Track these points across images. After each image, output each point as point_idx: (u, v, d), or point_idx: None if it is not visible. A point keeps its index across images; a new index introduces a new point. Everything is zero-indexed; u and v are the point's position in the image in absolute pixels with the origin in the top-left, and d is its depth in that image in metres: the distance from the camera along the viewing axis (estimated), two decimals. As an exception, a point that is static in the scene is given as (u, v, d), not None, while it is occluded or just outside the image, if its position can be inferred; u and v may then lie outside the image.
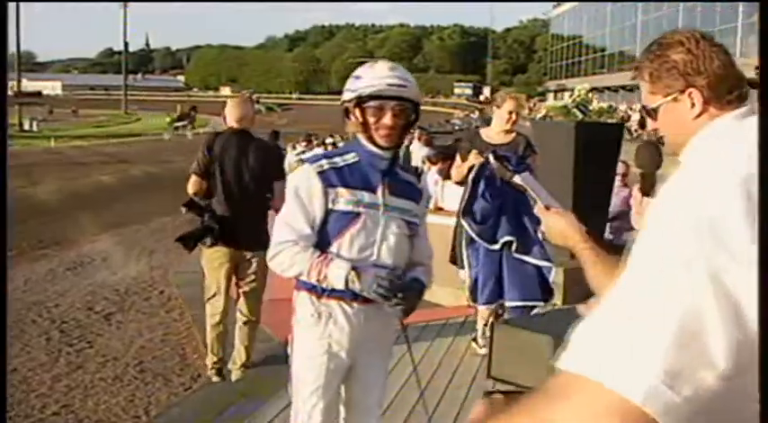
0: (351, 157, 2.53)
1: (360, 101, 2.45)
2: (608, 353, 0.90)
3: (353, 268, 2.43)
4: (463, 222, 4.99)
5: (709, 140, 1.40)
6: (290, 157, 15.41)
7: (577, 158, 6.16)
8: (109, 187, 17.94)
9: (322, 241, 2.50)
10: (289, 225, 2.49)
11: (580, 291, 2.00)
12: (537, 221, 4.76)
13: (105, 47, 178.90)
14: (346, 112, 2.50)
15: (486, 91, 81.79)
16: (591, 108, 6.53)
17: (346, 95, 2.50)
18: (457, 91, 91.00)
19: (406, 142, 2.25)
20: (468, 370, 4.82)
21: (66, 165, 24.88)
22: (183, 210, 4.70)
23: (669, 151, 1.80)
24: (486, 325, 5.13)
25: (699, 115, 1.57)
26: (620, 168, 7.85)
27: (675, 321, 0.88)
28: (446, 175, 8.31)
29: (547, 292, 5.04)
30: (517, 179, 2.38)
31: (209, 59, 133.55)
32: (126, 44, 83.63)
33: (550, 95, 67.43)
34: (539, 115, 23.81)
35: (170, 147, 31.10)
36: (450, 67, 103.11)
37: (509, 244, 4.94)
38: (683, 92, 1.59)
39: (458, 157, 5.16)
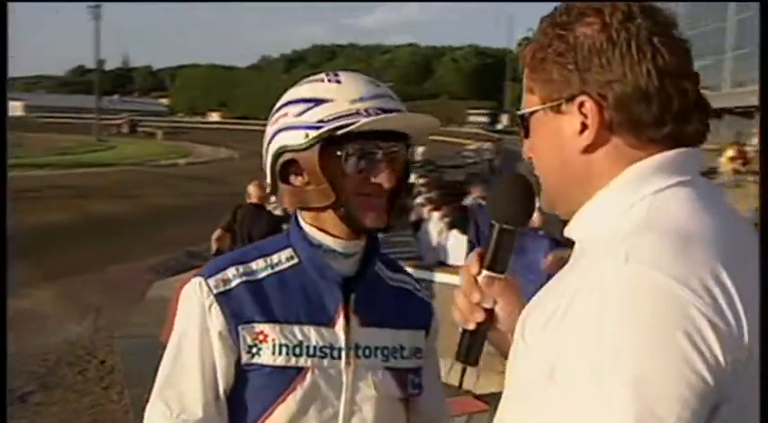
0: (284, 259, 1.44)
1: (326, 143, 1.34)
2: None
3: None
4: None
5: (608, 214, 0.92)
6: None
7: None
8: (58, 227, 15.24)
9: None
10: (170, 398, 1.36)
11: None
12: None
13: (76, 64, 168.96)
14: (280, 169, 1.40)
15: (505, 119, 71.71)
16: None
17: (286, 138, 1.38)
18: (471, 119, 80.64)
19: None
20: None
21: (12, 199, 16.85)
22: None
23: (543, 203, 1.09)
24: None
25: (588, 149, 0.95)
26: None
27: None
28: (452, 223, 7.09)
29: None
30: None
31: (196, 80, 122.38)
32: (101, 62, 79.30)
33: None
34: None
35: (143, 179, 27.69)
36: (465, 93, 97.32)
37: None
38: (572, 99, 0.94)
39: None
